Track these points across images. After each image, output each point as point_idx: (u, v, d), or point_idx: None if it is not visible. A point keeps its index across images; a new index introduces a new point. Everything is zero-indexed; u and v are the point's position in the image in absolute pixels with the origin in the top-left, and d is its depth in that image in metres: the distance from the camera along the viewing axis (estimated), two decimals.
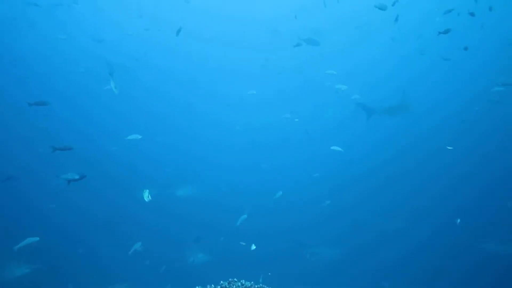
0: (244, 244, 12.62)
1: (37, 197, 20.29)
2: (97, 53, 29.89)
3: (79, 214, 19.80)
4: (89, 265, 16.97)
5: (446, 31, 13.18)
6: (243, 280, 7.64)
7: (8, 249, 12.24)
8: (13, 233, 14.48)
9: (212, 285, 7.42)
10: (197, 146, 28.56)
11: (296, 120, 18.23)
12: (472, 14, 15.24)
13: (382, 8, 14.31)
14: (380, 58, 34.05)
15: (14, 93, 25.96)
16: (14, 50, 30.64)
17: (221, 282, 7.51)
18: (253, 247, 11.24)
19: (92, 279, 15.83)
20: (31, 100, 12.11)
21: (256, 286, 7.50)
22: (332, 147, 15.71)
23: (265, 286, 7.60)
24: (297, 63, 31.14)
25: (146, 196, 9.79)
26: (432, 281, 16.31)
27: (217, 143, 28.85)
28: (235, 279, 7.65)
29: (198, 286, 7.44)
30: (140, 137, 14.05)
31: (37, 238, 12.40)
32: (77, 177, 10.59)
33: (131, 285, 16.12)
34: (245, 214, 15.36)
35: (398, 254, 18.15)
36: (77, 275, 16.00)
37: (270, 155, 26.75)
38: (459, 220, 14.03)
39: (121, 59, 28.48)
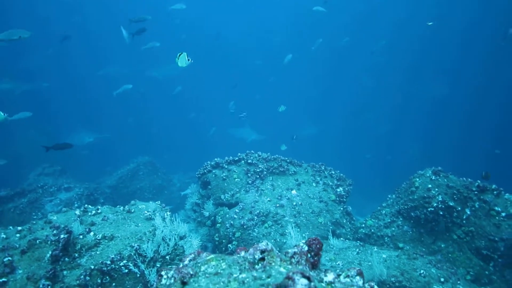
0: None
1: None
2: None
3: None
4: None
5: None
6: (260, 152, 8.03)
7: None
8: None
9: (230, 157, 7.87)
10: None
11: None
12: None
13: None
14: None
15: None
16: None
17: (239, 154, 7.94)
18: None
19: None
20: None
21: (272, 156, 7.93)
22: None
23: (281, 156, 8.04)
24: None
25: None
26: None
27: None
28: (252, 151, 8.05)
29: (217, 158, 7.90)
30: None
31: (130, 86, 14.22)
32: None
33: None
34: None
35: None
36: None
37: None
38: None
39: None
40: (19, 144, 19.88)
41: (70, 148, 8.24)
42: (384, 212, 7.12)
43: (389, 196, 7.45)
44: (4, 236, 4.45)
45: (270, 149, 8.75)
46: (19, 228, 4.63)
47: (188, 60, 6.72)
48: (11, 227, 4.80)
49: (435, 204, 6.19)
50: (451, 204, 6.13)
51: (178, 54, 6.73)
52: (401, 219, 6.74)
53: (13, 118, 11.28)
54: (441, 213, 6.14)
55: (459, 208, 6.13)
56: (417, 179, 6.69)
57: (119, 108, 28.82)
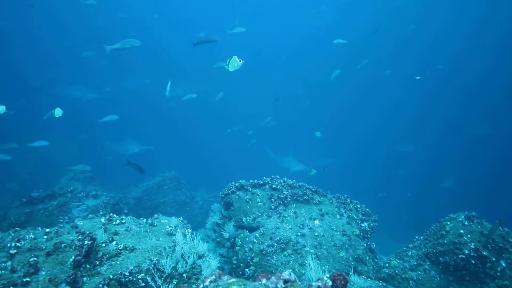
0: None
1: None
2: None
3: None
4: None
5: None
6: (285, 178, 7.98)
7: None
8: None
9: (255, 180, 7.86)
10: None
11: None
12: None
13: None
14: None
15: None
16: None
17: (264, 178, 7.92)
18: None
19: None
20: None
21: (297, 184, 7.85)
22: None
23: (306, 185, 7.94)
24: None
25: None
26: None
27: None
28: (277, 176, 8.01)
29: (242, 179, 7.91)
30: None
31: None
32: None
33: None
34: None
35: None
36: None
37: None
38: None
39: None
40: (53, 149, 20.87)
41: (141, 173, 8.90)
42: (410, 253, 6.80)
43: (417, 237, 7.13)
44: (33, 236, 4.60)
45: (314, 181, 8.72)
46: (47, 230, 4.79)
47: (240, 61, 6.66)
48: (39, 228, 4.97)
49: (466, 252, 5.84)
50: (484, 253, 5.76)
51: (228, 60, 6.72)
52: (428, 263, 6.40)
53: (104, 121, 13.09)
54: (473, 261, 5.78)
55: (494, 259, 5.75)
56: (448, 223, 6.37)
57: (157, 120, 29.52)
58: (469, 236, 5.98)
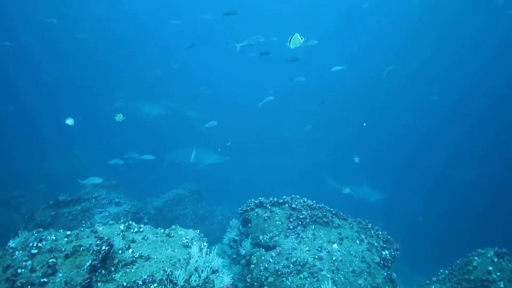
0: None
1: None
2: None
3: None
4: None
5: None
6: (305, 198, 7.87)
7: None
8: None
9: (275, 198, 7.80)
10: None
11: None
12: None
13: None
14: None
15: None
16: None
17: (284, 196, 7.84)
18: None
19: None
20: None
21: (317, 205, 7.72)
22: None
23: (326, 207, 7.79)
24: None
25: None
26: None
27: None
28: (297, 196, 7.92)
29: (261, 197, 7.87)
30: None
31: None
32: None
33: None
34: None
35: None
36: None
37: None
38: None
39: None
40: (80, 155, 21.71)
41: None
42: (433, 287, 6.46)
43: (441, 270, 6.78)
44: (54, 238, 4.74)
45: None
46: (68, 232, 4.92)
47: (302, 39, 6.60)
48: (61, 230, 5.11)
49: None
50: None
51: (290, 37, 6.65)
52: None
53: (207, 127, 14.17)
54: None
55: None
56: (476, 258, 6.03)
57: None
58: (498, 274, 5.63)
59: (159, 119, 24.09)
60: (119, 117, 9.14)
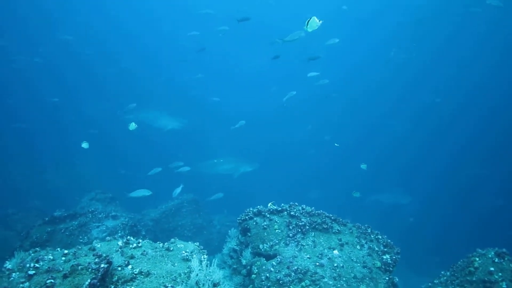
0: None
1: None
2: None
3: None
4: None
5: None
6: (304, 205, 7.84)
7: None
8: None
9: (274, 206, 7.76)
10: None
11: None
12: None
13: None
14: None
15: None
16: None
17: (282, 204, 7.81)
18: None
19: None
20: None
21: (316, 211, 7.69)
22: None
23: (325, 213, 7.76)
24: None
25: None
26: None
27: None
28: (296, 203, 7.89)
29: (260, 205, 7.83)
30: None
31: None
32: None
33: None
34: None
35: None
36: None
37: None
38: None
39: None
40: (78, 168, 21.48)
41: None
42: None
43: (443, 272, 6.77)
44: (51, 257, 4.65)
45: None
46: (66, 251, 4.84)
47: (319, 21, 6.50)
48: (58, 249, 5.03)
49: None
50: None
51: (307, 21, 6.56)
52: None
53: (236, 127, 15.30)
54: None
55: None
56: (477, 259, 6.03)
57: None
58: (500, 274, 5.63)
59: (173, 133, 23.85)
60: (132, 126, 9.20)
